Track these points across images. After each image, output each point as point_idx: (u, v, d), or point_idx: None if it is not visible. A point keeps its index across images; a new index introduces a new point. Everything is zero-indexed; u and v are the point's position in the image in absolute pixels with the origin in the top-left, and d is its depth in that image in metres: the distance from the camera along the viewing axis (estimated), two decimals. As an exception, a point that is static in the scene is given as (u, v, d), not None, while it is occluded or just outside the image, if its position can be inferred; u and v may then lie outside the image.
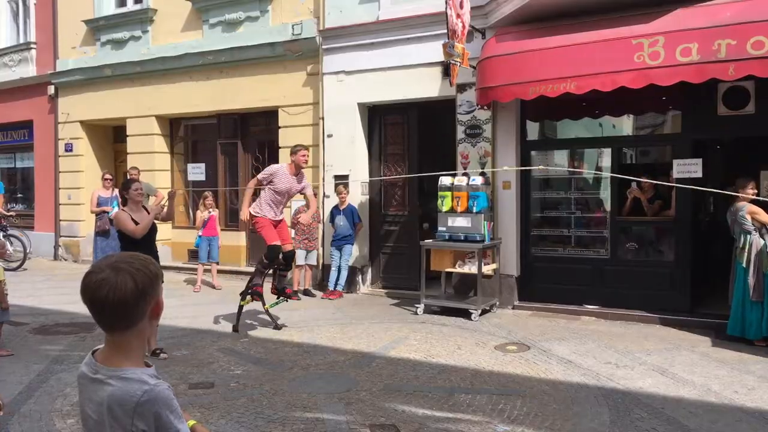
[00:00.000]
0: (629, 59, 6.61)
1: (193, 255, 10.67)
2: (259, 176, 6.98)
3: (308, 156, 7.18)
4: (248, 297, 7.07)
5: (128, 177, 9.62)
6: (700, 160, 7.11)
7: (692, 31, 6.32)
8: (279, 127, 10.24)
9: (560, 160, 8.87)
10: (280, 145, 10.21)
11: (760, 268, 6.21)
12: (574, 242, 8.28)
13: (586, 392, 5.01)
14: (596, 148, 8.50)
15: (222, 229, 10.54)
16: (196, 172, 10.81)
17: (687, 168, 7.14)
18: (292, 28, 9.88)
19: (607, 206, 8.04)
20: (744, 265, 6.28)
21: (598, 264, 7.92)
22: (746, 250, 6.29)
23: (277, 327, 7.12)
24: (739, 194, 6.38)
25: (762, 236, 6.27)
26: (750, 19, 6.13)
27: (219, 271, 10.18)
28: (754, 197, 6.35)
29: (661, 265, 7.64)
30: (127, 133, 12.11)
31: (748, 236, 6.31)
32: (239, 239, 11.10)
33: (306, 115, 9.96)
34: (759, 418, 4.44)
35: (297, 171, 7.00)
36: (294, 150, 7.01)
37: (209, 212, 9.82)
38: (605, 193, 8.13)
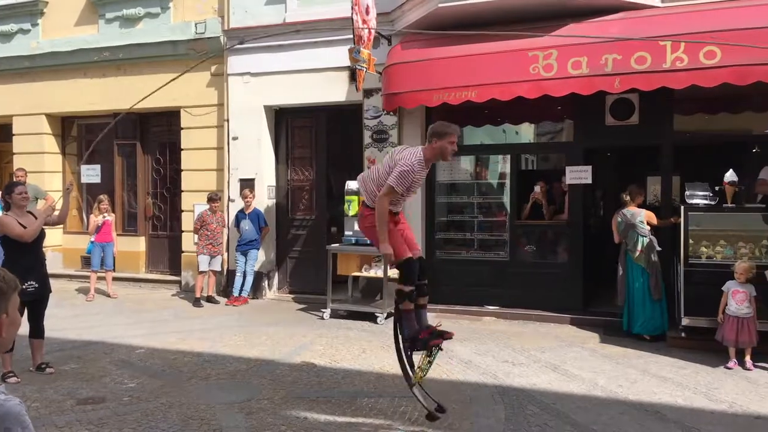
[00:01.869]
0: (525, 70, 6.93)
1: (86, 262, 10.07)
2: (397, 187, 4.20)
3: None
4: (424, 356, 4.41)
5: (14, 179, 8.98)
6: (590, 167, 7.55)
7: (582, 45, 6.71)
8: (181, 128, 9.88)
9: (465, 166, 9.13)
10: (182, 147, 9.86)
11: (657, 268, 6.70)
12: (477, 245, 8.54)
13: (484, 391, 5.17)
14: (499, 154, 8.81)
15: (118, 234, 10.04)
16: (91, 174, 10.29)
17: (578, 174, 7.56)
18: (195, 26, 9.57)
19: (508, 211, 8.35)
20: (644, 266, 6.74)
21: (499, 266, 8.21)
22: (644, 252, 6.74)
23: (440, 410, 4.33)
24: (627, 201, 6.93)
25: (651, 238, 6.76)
26: (634, 36, 6.58)
27: (115, 279, 9.67)
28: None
29: (556, 267, 8.04)
30: (14, 132, 11.27)
31: (644, 239, 6.77)
32: (137, 245, 10.60)
33: (210, 117, 9.67)
34: (640, 409, 4.75)
35: (432, 161, 4.50)
36: (442, 132, 4.33)
37: (104, 217, 9.31)
38: (506, 198, 8.44)
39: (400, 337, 4.49)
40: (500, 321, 7.74)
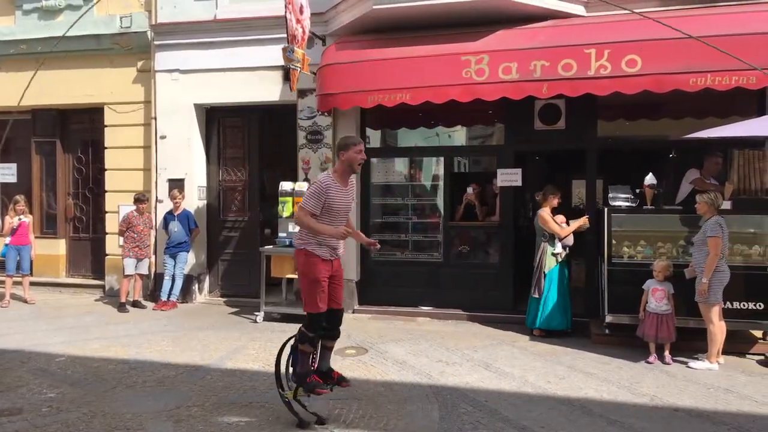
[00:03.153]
0: (458, 74, 7.05)
1: (1, 266, 9.47)
2: (306, 206, 4.33)
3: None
4: (299, 390, 4.52)
5: None
6: (519, 170, 7.78)
7: (512, 51, 6.90)
8: (105, 126, 9.47)
9: (400, 168, 9.19)
10: (106, 145, 9.45)
11: (542, 267, 7.03)
12: (411, 247, 8.60)
13: (419, 391, 5.20)
14: (432, 156, 8.91)
15: (36, 237, 9.51)
16: (6, 173, 9.72)
17: (509, 177, 7.76)
18: (120, 20, 9.18)
19: (442, 212, 8.46)
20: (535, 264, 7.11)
21: (433, 267, 8.31)
22: (538, 251, 7.09)
23: (321, 422, 4.52)
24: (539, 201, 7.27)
25: (552, 240, 7.01)
26: (560, 44, 6.83)
27: (32, 284, 9.15)
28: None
29: (488, 267, 8.21)
30: None
31: (541, 239, 7.07)
32: (57, 248, 10.06)
33: (136, 114, 9.31)
34: (568, 404, 4.91)
35: (348, 175, 4.52)
36: (347, 144, 4.46)
37: (20, 218, 8.79)
38: (440, 200, 8.55)
39: (285, 353, 4.68)
40: (434, 321, 7.83)
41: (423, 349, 6.51)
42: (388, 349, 6.49)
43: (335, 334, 4.63)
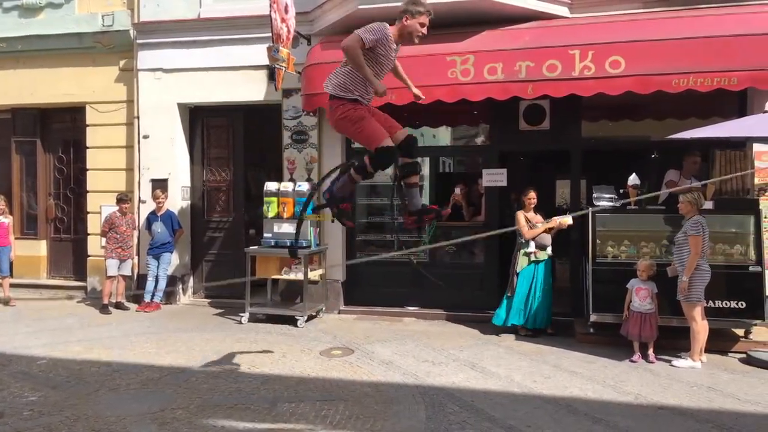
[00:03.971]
0: (444, 74, 7.06)
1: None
2: (363, 34, 4.04)
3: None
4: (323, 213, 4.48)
5: None
6: (504, 170, 7.81)
7: (498, 52, 6.92)
8: (87, 125, 9.34)
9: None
10: (88, 145, 9.33)
11: (514, 266, 7.12)
12: (397, 247, 8.58)
13: (405, 391, 5.20)
14: (418, 156, 8.88)
15: (17, 238, 9.38)
16: (-15, 173, 9.54)
17: (494, 177, 7.79)
18: (102, 18, 9.07)
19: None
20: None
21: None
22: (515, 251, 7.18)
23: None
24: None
25: (527, 241, 7.07)
26: (545, 45, 6.86)
27: (12, 285, 9.01)
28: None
29: (473, 267, 8.24)
30: None
31: (519, 239, 7.15)
32: (38, 248, 9.91)
33: (119, 114, 9.20)
34: (554, 404, 4.93)
35: (400, 42, 4.31)
36: (414, 10, 4.17)
37: (-1, 219, 8.66)
38: (426, 200, 8.56)
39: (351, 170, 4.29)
40: (420, 321, 7.84)
41: (409, 349, 6.50)
42: (375, 349, 6.48)
43: (415, 166, 4.29)
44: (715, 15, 6.72)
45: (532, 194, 7.22)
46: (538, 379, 5.53)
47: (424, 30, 4.16)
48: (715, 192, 6.88)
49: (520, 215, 7.16)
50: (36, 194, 10.04)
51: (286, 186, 7.95)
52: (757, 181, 6.95)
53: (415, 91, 4.54)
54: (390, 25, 4.20)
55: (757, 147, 6.88)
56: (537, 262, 7.08)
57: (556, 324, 7.14)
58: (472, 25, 7.26)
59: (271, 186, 7.99)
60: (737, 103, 7.23)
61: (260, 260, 8.02)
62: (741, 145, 7.01)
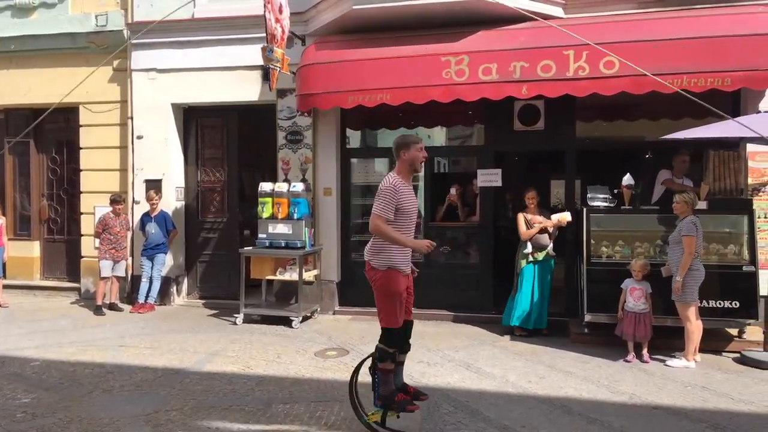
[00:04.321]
0: (438, 75, 7.07)
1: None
2: (382, 212, 4.08)
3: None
4: (387, 414, 4.33)
5: None
6: (499, 171, 7.81)
7: (492, 52, 6.93)
8: (80, 126, 9.31)
9: (380, 168, 9.16)
10: (81, 146, 9.30)
11: (515, 266, 7.17)
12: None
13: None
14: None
15: (10, 239, 9.34)
16: (-23, 173, 9.48)
17: (489, 177, 7.79)
18: (96, 18, 9.03)
19: (422, 212, 8.45)
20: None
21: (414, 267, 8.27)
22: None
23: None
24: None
25: (525, 241, 7.10)
26: (540, 45, 6.87)
27: (5, 287, 8.97)
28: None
29: (469, 267, 8.23)
30: None
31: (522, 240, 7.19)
32: (31, 250, 9.87)
33: (112, 114, 9.17)
34: (548, 404, 4.94)
35: (410, 176, 4.33)
36: (406, 143, 4.24)
37: (-7, 220, 8.62)
38: (420, 200, 8.54)
39: (357, 378, 4.48)
40: (416, 322, 7.76)
41: (404, 349, 6.48)
42: (370, 350, 6.40)
43: (406, 348, 4.46)
44: (709, 16, 6.74)
45: (532, 194, 7.23)
46: (533, 379, 5.53)
47: (424, 153, 4.26)
48: (709, 192, 6.90)
49: (520, 216, 7.18)
50: (29, 195, 9.99)
51: (281, 186, 7.93)
52: (750, 181, 6.98)
53: None
54: (393, 169, 4.29)
55: (750, 147, 6.91)
56: (536, 262, 7.09)
57: (550, 324, 7.15)
58: (466, 25, 7.26)
59: (265, 186, 7.98)
60: (731, 104, 7.25)
61: (255, 261, 8.00)
62: (735, 146, 7.03)
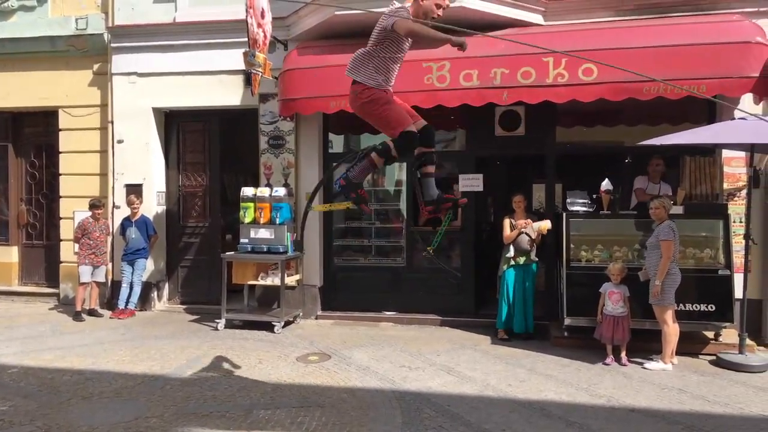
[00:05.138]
0: (420, 81, 7.11)
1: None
2: (403, 15, 3.96)
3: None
4: (336, 204, 4.48)
5: None
6: (481, 176, 7.87)
7: (473, 58, 6.97)
8: (60, 130, 9.22)
9: (362, 173, 9.17)
10: (61, 150, 9.20)
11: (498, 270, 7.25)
12: (374, 252, 8.61)
13: (382, 397, 5.20)
14: (395, 162, 8.91)
15: (-13, 244, 9.20)
16: (-46, 178, 9.35)
17: (471, 182, 7.85)
18: (76, 22, 8.96)
19: (405, 217, 8.49)
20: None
21: (396, 272, 8.33)
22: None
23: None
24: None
25: (508, 245, 7.16)
26: (520, 52, 6.93)
27: (-17, 293, 8.84)
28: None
29: (450, 271, 8.26)
30: None
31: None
32: (9, 255, 9.75)
33: (93, 118, 9.09)
34: (528, 407, 4.98)
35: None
36: None
37: (-30, 225, 8.49)
38: (403, 205, 8.58)
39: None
40: (397, 326, 7.86)
41: (386, 354, 6.51)
42: (352, 354, 6.49)
43: (432, 156, 4.27)
44: (685, 24, 6.86)
45: (519, 198, 7.30)
46: (513, 382, 5.58)
47: (440, 12, 4.03)
48: (685, 197, 7.02)
49: (506, 220, 7.23)
50: (7, 199, 9.87)
51: (263, 191, 7.92)
52: (726, 186, 7.11)
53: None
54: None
55: (726, 153, 7.04)
56: (517, 266, 7.16)
57: (533, 327, 7.21)
58: (447, 32, 7.29)
59: (247, 191, 7.96)
60: (707, 110, 7.39)
61: (237, 266, 7.97)
62: (710, 152, 7.16)
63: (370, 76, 4.15)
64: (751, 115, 5.84)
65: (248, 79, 7.69)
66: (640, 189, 7.22)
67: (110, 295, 8.85)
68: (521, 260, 7.15)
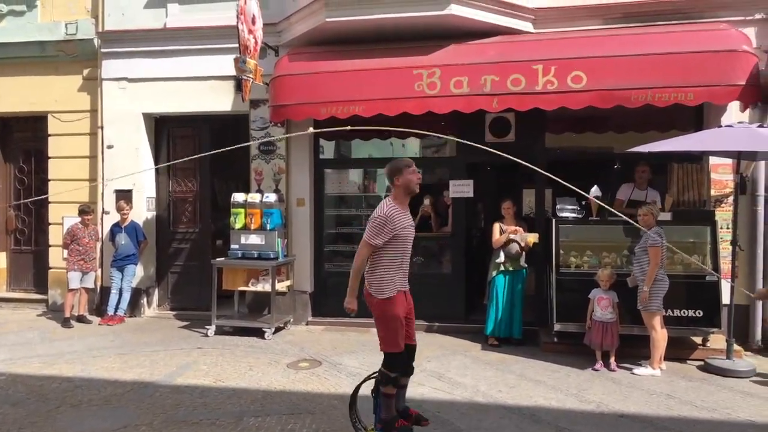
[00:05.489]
0: (411, 87, 7.15)
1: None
2: (372, 240, 4.25)
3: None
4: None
5: None
6: (471, 182, 7.92)
7: (463, 66, 7.03)
8: (49, 135, 9.17)
9: (354, 179, 9.21)
10: (50, 155, 9.16)
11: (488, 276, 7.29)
12: (365, 258, 8.59)
13: (372, 403, 5.19)
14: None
15: (-25, 250, 9.13)
16: (-58, 183, 9.28)
17: (461, 188, 7.90)
18: (66, 27, 8.93)
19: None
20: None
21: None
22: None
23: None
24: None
25: (498, 250, 7.21)
26: (509, 59, 7.00)
27: (-30, 299, 8.77)
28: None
29: (441, 277, 8.29)
30: None
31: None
32: (-3, 261, 9.69)
33: (82, 123, 9.06)
34: (518, 413, 5.01)
35: (406, 200, 4.45)
36: (398, 168, 4.34)
37: (-43, 231, 8.43)
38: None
39: (358, 396, 4.49)
40: (388, 332, 7.84)
41: (377, 360, 6.40)
42: (342, 361, 6.48)
43: (410, 371, 4.47)
44: (672, 32, 6.94)
45: (507, 204, 7.34)
46: (504, 388, 5.60)
47: (418, 176, 4.36)
48: (673, 204, 7.08)
49: (495, 225, 7.27)
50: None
51: (254, 197, 7.92)
52: (713, 192, 7.19)
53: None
54: (388, 195, 4.41)
55: (713, 160, 7.12)
56: (507, 272, 7.19)
57: (522, 333, 7.24)
58: (438, 39, 7.36)
59: (238, 197, 7.95)
60: (694, 117, 7.47)
61: (227, 272, 7.96)
62: (698, 159, 7.23)
63: (383, 293, 4.32)
64: (737, 122, 5.91)
65: (239, 85, 7.69)
66: (619, 200, 7.29)
67: (99, 302, 8.80)
68: (511, 266, 7.18)
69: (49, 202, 9.19)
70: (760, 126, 6.16)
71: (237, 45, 7.23)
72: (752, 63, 6.55)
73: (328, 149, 8.95)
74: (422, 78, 7.16)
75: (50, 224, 9.22)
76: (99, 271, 8.76)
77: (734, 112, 7.03)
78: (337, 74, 7.44)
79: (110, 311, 8.37)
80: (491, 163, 9.68)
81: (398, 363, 4.28)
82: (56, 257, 9.07)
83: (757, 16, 7.10)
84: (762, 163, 7.01)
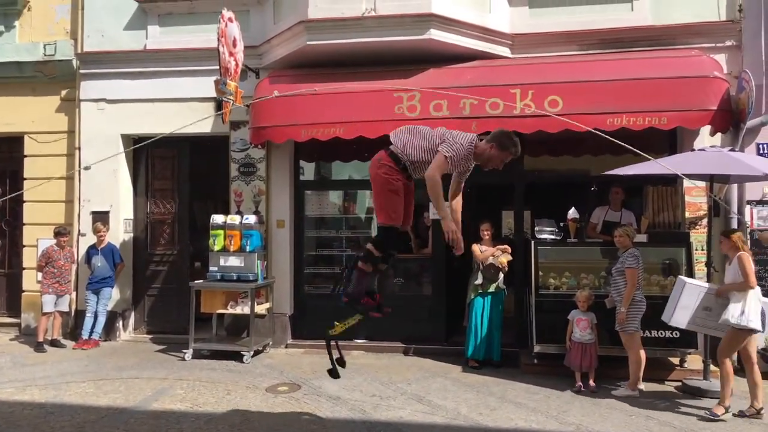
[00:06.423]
0: (391, 110, 7.22)
1: None
2: (451, 155, 4.18)
3: None
4: (350, 320, 4.49)
5: None
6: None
7: (443, 89, 7.10)
8: (25, 156, 9.05)
9: (334, 200, 9.20)
10: (25, 176, 9.02)
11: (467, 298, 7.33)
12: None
13: (352, 427, 5.16)
14: (366, 189, 8.95)
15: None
16: None
17: (441, 210, 7.89)
18: (44, 48, 8.88)
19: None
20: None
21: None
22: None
23: (341, 363, 4.71)
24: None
25: (476, 272, 7.26)
26: (488, 83, 7.11)
27: (-61, 323, 8.53)
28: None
29: (421, 299, 8.29)
30: None
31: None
32: (-25, 281, 9.46)
33: (59, 144, 8.96)
34: (494, 435, 4.99)
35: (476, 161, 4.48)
36: (504, 145, 4.32)
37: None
38: (374, 232, 8.60)
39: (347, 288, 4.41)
40: (369, 354, 7.81)
41: (357, 383, 6.46)
42: (322, 384, 6.42)
43: (392, 260, 4.45)
44: (646, 59, 7.11)
45: (486, 226, 7.41)
46: (484, 411, 5.58)
47: (501, 165, 4.30)
48: (648, 225, 7.19)
49: (475, 247, 7.30)
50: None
51: (233, 219, 7.87)
52: (687, 215, 7.31)
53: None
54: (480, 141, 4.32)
55: (687, 183, 7.25)
56: (486, 294, 7.21)
57: (502, 355, 7.24)
58: (417, 62, 7.45)
59: (217, 219, 7.90)
60: (668, 141, 7.62)
61: (205, 294, 7.87)
62: (672, 181, 7.37)
63: (406, 157, 4.27)
64: (710, 146, 6.04)
65: (219, 107, 7.69)
66: (592, 224, 7.39)
67: (74, 325, 8.63)
68: (490, 288, 7.21)
69: (24, 224, 9.04)
70: (731, 150, 6.31)
71: (218, 67, 7.24)
72: (723, 88, 6.73)
73: (309, 171, 8.95)
74: (402, 101, 7.24)
75: (24, 246, 9.05)
76: (74, 294, 8.60)
77: (706, 137, 7.19)
78: (318, 96, 7.46)
79: (85, 335, 8.21)
80: (471, 185, 9.74)
81: (389, 239, 4.24)
82: (30, 280, 8.89)
83: (728, 43, 7.32)
84: (734, 186, 7.16)
